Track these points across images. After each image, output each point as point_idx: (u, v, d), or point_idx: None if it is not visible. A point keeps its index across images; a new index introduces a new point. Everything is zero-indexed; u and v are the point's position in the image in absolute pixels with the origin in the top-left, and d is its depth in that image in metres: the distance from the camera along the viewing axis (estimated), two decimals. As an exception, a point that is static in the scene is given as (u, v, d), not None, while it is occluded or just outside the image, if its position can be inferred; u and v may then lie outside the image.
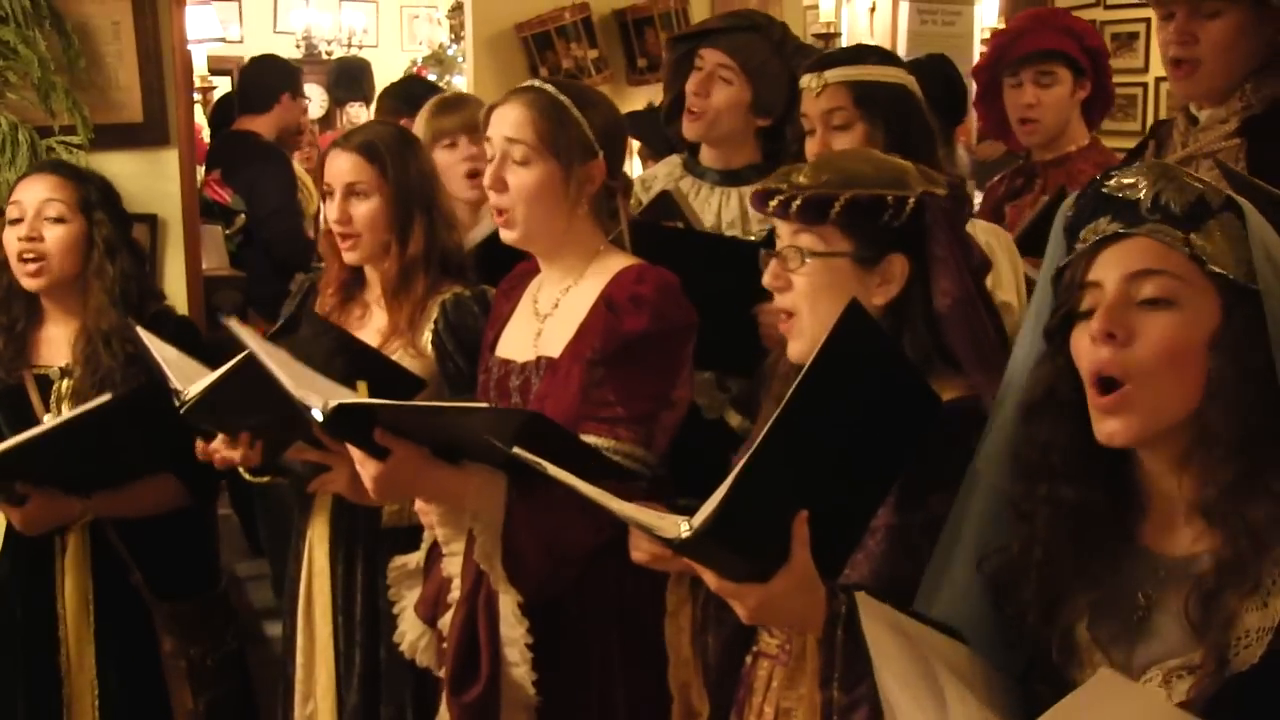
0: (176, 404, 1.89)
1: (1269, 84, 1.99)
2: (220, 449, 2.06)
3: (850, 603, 1.28)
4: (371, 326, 2.21)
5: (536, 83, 1.89)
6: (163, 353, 1.99)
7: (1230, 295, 1.16)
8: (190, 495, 2.36)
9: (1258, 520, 1.12)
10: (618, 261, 1.86)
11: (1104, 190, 1.22)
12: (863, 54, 2.27)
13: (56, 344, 2.39)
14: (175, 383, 1.90)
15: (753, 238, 2.37)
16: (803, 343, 1.50)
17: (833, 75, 2.16)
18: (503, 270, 2.12)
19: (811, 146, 2.18)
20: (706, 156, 2.53)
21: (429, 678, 2.09)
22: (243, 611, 3.56)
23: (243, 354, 1.82)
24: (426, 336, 2.15)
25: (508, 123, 1.84)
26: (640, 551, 1.51)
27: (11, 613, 2.42)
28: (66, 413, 2.27)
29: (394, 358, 2.13)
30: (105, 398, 2.21)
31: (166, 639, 2.40)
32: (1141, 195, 1.19)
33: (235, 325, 1.86)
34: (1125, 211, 1.19)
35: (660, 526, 1.24)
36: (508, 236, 1.87)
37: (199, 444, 2.09)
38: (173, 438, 2.18)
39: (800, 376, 1.25)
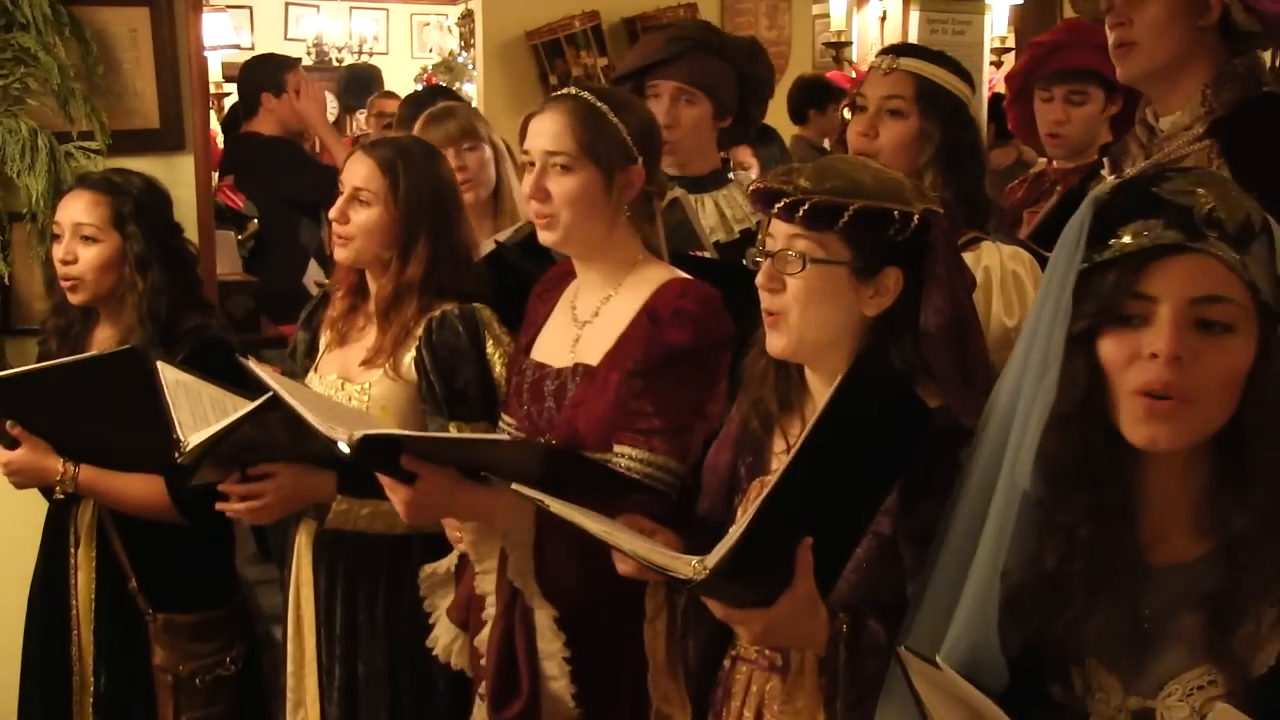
0: (176, 454, 1.90)
1: (1229, 87, 2.03)
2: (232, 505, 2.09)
3: (852, 622, 1.31)
4: (365, 341, 2.19)
5: (573, 90, 1.88)
6: (177, 393, 1.98)
7: (1265, 320, 1.14)
8: (175, 509, 2.33)
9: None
10: (659, 273, 1.86)
11: (1155, 191, 1.17)
12: (941, 58, 2.29)
13: (104, 346, 2.42)
14: (178, 430, 1.91)
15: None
16: (785, 340, 1.50)
17: (906, 63, 2.19)
18: (509, 278, 2.14)
19: (858, 124, 2.19)
20: (673, 167, 2.54)
21: (404, 694, 2.13)
22: (253, 614, 3.57)
23: (237, 416, 1.85)
24: (410, 356, 2.12)
25: (547, 135, 1.83)
26: (624, 564, 1.52)
27: (34, 598, 2.50)
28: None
29: (375, 379, 2.13)
30: (95, 352, 2.29)
31: (158, 650, 2.40)
32: (1196, 205, 1.14)
33: (253, 365, 1.90)
34: (1181, 220, 1.14)
35: (673, 567, 1.26)
36: (548, 238, 1.87)
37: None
38: (170, 441, 2.22)
39: (809, 428, 1.27)
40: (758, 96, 2.56)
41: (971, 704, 1.17)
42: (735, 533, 1.22)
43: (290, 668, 2.27)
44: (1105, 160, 2.29)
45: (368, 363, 2.15)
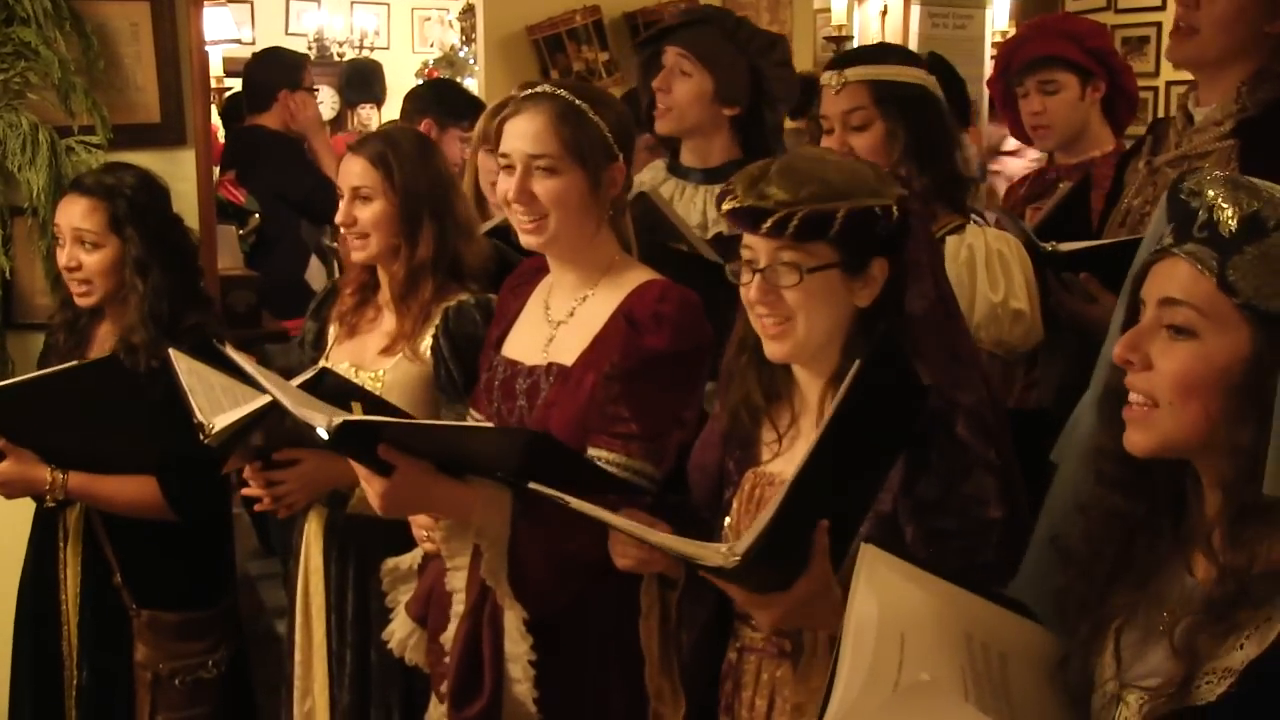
0: (201, 436, 1.90)
1: (1264, 87, 2.01)
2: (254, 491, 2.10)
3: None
4: (380, 329, 2.23)
5: (547, 88, 1.83)
6: (192, 380, 1.99)
7: (1265, 327, 1.11)
8: (169, 508, 2.34)
9: (1241, 562, 1.11)
10: (636, 274, 1.85)
11: (1178, 194, 1.19)
12: (884, 53, 2.30)
13: (105, 344, 2.43)
14: (199, 415, 1.91)
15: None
16: (790, 347, 1.51)
17: (853, 74, 2.18)
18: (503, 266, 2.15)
19: (829, 144, 2.20)
20: (687, 156, 2.55)
21: (417, 680, 2.11)
22: (254, 610, 3.57)
23: (263, 403, 1.84)
24: (427, 342, 2.16)
25: (527, 137, 1.79)
26: (625, 559, 1.53)
27: (24, 593, 2.51)
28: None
29: (390, 365, 2.17)
30: (75, 362, 2.30)
31: (140, 647, 2.40)
32: (1199, 207, 1.15)
33: (231, 351, 1.91)
34: (1183, 224, 1.16)
35: (703, 556, 1.29)
36: (533, 242, 1.83)
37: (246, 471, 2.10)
38: (162, 443, 2.23)
39: (831, 414, 1.30)
40: (770, 95, 2.54)
41: (935, 594, 1.23)
42: (763, 519, 1.25)
43: (298, 656, 2.28)
44: (1148, 137, 2.30)
45: (387, 349, 2.18)
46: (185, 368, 2.01)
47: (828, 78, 2.22)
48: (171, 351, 2.07)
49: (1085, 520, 1.26)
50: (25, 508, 2.51)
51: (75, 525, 2.42)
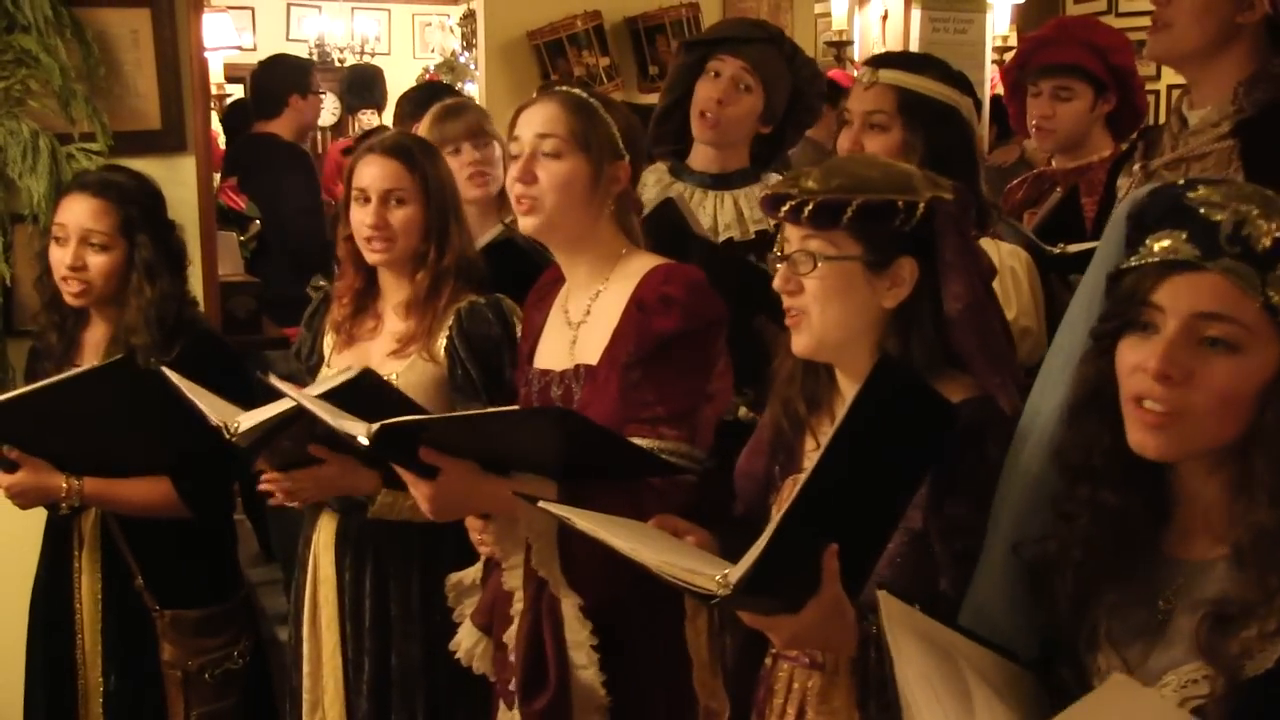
0: (227, 436, 1.90)
1: (1260, 88, 2.02)
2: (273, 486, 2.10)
3: (880, 624, 1.30)
4: (385, 334, 2.22)
5: (564, 86, 1.91)
6: (194, 394, 1.99)
7: None
8: (185, 505, 2.35)
9: None
10: (643, 262, 1.87)
11: (1186, 200, 1.17)
12: (924, 65, 2.28)
13: (95, 348, 2.43)
14: (214, 419, 1.91)
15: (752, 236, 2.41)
16: (807, 339, 1.52)
17: (886, 75, 2.18)
18: (504, 276, 2.15)
19: (843, 140, 2.20)
20: (698, 161, 2.53)
21: (441, 685, 2.12)
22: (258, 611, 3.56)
23: (291, 406, 1.84)
24: (441, 343, 2.17)
25: (539, 119, 1.85)
26: None
27: (37, 600, 2.51)
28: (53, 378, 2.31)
29: (409, 363, 2.17)
30: (87, 366, 2.29)
31: (166, 646, 2.41)
32: (1223, 219, 1.14)
33: (273, 380, 1.91)
34: (1203, 234, 1.15)
35: (696, 583, 1.25)
36: (529, 224, 1.87)
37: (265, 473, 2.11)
38: (174, 442, 2.23)
39: (830, 440, 1.27)
40: (798, 120, 2.55)
41: (944, 644, 1.20)
42: (757, 548, 1.22)
43: (306, 668, 2.27)
44: (1140, 144, 2.30)
45: (397, 352, 2.18)
46: (178, 380, 2.01)
47: (863, 72, 2.24)
48: (164, 370, 2.06)
49: (1072, 521, 1.25)
50: (34, 517, 2.50)
51: (91, 532, 2.42)
